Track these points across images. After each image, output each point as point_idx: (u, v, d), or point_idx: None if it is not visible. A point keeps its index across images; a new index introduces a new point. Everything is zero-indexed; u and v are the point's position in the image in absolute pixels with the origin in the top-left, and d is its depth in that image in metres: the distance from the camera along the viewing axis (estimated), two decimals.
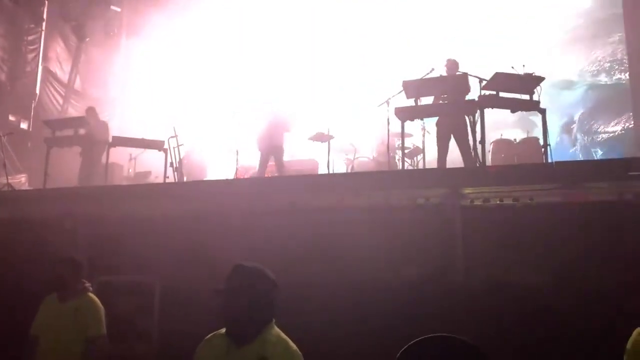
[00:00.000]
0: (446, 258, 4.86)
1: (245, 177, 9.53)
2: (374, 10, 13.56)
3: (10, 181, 9.68)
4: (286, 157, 10.48)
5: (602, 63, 11.81)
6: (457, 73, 7.74)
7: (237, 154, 9.47)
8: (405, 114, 7.23)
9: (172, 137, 9.23)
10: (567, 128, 11.71)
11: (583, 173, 5.01)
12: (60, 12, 12.52)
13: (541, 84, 6.88)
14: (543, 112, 6.87)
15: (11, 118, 12.39)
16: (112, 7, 13.87)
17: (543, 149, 6.98)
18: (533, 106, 6.92)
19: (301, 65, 13.68)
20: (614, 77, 11.70)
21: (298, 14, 13.73)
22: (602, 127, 11.48)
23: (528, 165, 7.06)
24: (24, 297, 4.70)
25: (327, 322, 4.85)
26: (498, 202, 5.00)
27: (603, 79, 11.83)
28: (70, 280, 4.19)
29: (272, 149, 8.72)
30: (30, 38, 13.17)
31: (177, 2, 13.83)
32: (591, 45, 11.67)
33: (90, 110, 10.08)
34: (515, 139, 9.11)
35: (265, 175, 9.00)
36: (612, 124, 11.39)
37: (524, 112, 8.17)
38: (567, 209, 4.80)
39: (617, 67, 11.69)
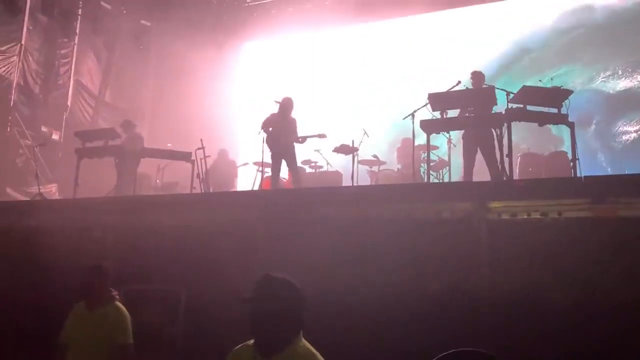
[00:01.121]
0: (471, 272, 4.80)
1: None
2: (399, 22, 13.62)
3: (41, 191, 9.93)
4: (310, 169, 10.56)
5: (615, 66, 11.63)
6: (484, 86, 7.69)
7: (262, 166, 9.54)
8: (430, 127, 7.20)
9: (199, 148, 9.36)
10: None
11: (613, 187, 4.90)
12: (92, 27, 12.84)
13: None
14: (572, 125, 6.78)
15: (44, 129, 12.75)
16: (142, 22, 14.18)
17: (572, 163, 6.88)
18: (561, 119, 6.84)
19: (327, 78, 13.82)
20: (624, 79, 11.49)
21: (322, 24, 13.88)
22: (621, 127, 11.25)
23: (556, 179, 6.95)
24: (53, 305, 4.79)
25: (350, 335, 4.82)
26: (525, 216, 4.92)
27: (614, 81, 11.63)
28: (98, 288, 4.25)
29: (282, 151, 8.58)
30: (63, 52, 13.57)
31: (205, 17, 14.11)
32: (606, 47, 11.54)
33: (127, 123, 10.31)
34: (543, 153, 8.98)
35: (283, 182, 9.00)
36: (633, 122, 11.17)
37: None
38: (596, 224, 4.70)
39: (630, 69, 11.49)
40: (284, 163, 8.66)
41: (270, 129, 8.61)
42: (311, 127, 9.02)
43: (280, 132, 8.55)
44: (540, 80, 7.57)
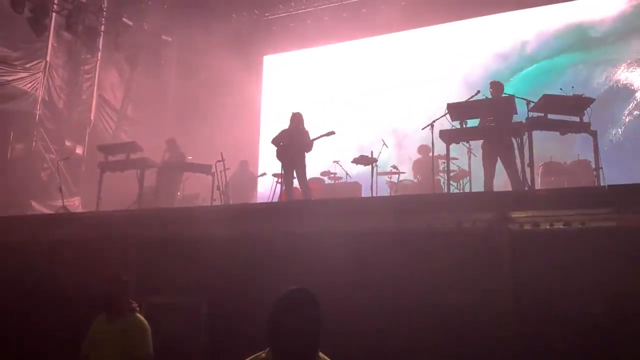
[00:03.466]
0: (494, 283, 4.74)
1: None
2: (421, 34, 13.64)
3: (65, 204, 10.10)
4: (329, 180, 10.57)
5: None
6: (503, 95, 7.63)
7: (281, 177, 9.56)
8: (450, 137, 7.16)
9: (219, 161, 9.44)
10: None
11: (638, 196, 4.81)
12: (114, 43, 13.10)
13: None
14: (594, 134, 6.69)
15: (67, 143, 12.99)
16: (163, 37, 14.41)
17: (595, 172, 6.78)
18: (583, 128, 6.76)
19: (346, 89, 13.86)
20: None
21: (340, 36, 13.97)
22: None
23: (579, 188, 6.85)
24: (77, 317, 4.84)
25: (372, 348, 4.79)
26: (548, 226, 4.85)
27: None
28: (118, 300, 4.29)
29: (292, 163, 8.66)
30: (86, 68, 13.86)
31: (224, 31, 14.28)
32: None
33: (171, 141, 10.52)
34: (565, 162, 8.86)
35: (295, 192, 9.01)
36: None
37: None
38: (621, 234, 4.61)
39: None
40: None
41: (282, 143, 8.72)
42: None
43: (290, 146, 8.65)
44: (561, 89, 7.47)
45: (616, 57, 11.50)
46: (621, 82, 11.36)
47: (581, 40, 11.86)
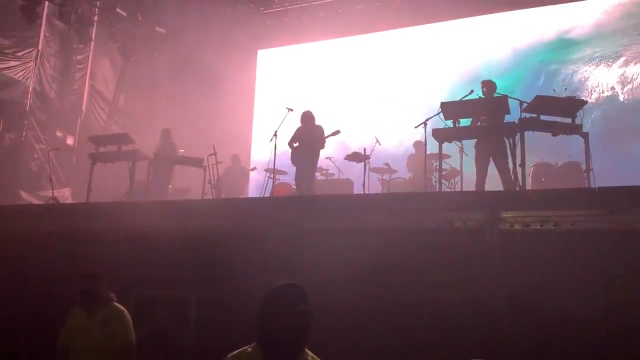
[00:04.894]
0: (485, 283, 4.76)
1: (283, 195, 9.56)
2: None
3: (55, 194, 10.02)
4: (322, 177, 10.57)
5: None
6: (496, 95, 7.65)
7: (273, 173, 9.55)
8: (443, 136, 7.18)
9: (211, 154, 9.40)
10: None
11: (628, 198, 4.85)
12: (107, 33, 13.00)
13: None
14: (585, 136, 6.73)
15: (58, 134, 12.90)
16: (157, 29, 14.31)
17: (585, 173, 6.82)
18: (575, 129, 6.79)
19: (339, 85, 13.85)
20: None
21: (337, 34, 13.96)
22: None
23: (570, 189, 6.88)
24: (61, 309, 4.81)
25: (362, 348, 4.80)
26: (538, 226, 4.88)
27: None
28: (94, 294, 4.30)
29: (307, 165, 8.72)
30: (78, 57, 13.75)
31: (219, 24, 14.21)
32: None
33: (166, 132, 10.48)
34: (556, 163, 8.91)
35: (293, 189, 9.07)
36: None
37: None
38: (611, 236, 4.65)
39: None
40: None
41: (295, 144, 8.71)
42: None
43: (305, 146, 8.69)
44: (554, 90, 7.51)
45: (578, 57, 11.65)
46: (575, 85, 11.49)
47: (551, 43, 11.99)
